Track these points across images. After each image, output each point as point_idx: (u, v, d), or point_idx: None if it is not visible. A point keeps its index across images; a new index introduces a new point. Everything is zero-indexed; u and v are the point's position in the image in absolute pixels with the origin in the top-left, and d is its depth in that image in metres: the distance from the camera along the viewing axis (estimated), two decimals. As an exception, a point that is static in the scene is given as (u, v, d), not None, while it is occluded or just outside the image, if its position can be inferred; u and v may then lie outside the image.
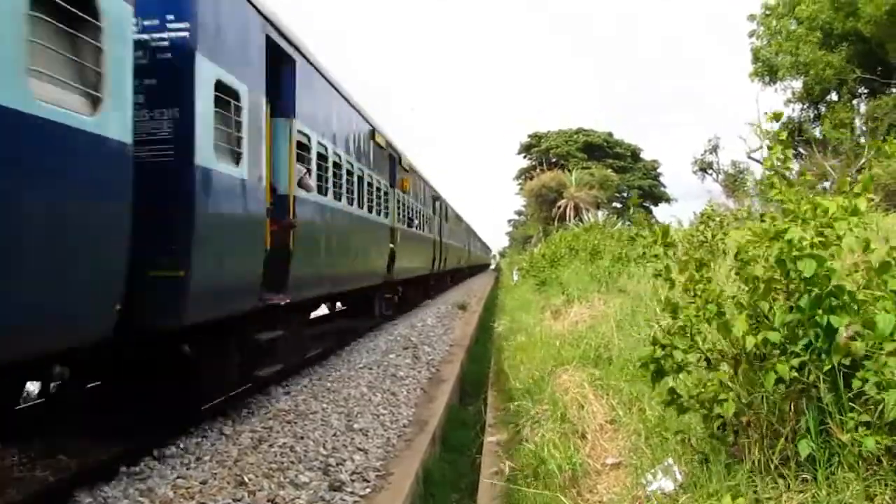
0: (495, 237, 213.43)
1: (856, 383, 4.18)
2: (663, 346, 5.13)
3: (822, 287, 4.38)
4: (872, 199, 4.96)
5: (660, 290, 5.53)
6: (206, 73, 7.37)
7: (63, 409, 8.15)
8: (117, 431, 7.81)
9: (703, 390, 4.96)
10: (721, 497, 4.47)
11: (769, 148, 5.50)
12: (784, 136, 5.48)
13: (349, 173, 14.01)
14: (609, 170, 77.85)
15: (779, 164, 5.31)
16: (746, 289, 4.98)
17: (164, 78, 7.04)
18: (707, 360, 5.06)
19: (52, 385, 8.08)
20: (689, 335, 5.11)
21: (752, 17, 45.30)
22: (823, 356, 4.33)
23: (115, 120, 5.90)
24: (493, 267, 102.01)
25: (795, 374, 4.39)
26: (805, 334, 4.42)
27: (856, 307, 4.38)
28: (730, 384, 4.83)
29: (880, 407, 4.04)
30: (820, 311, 4.30)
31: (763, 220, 4.98)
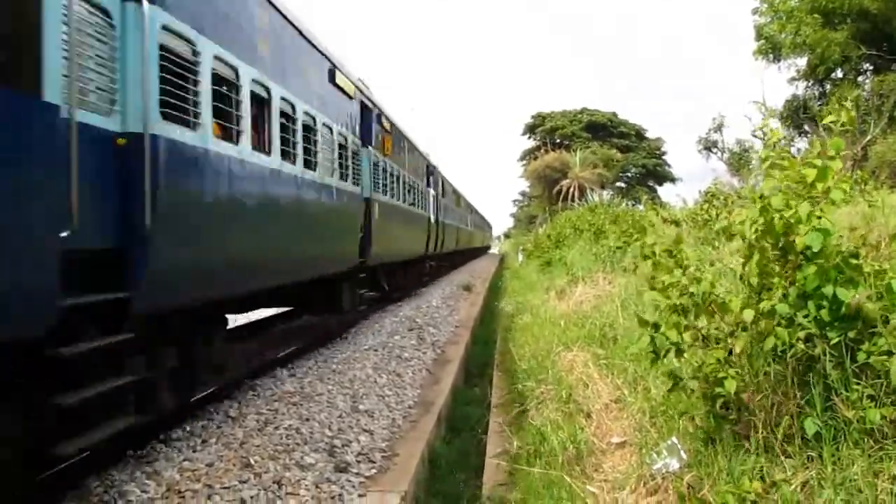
0: (499, 219, 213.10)
1: (861, 356, 4.18)
2: (656, 327, 5.15)
3: (828, 259, 4.38)
4: (875, 175, 5.00)
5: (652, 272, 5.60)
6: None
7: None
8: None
9: (702, 369, 4.97)
10: (727, 475, 4.48)
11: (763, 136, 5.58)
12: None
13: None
14: (613, 149, 77.63)
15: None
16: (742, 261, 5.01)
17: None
18: (703, 338, 5.07)
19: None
20: (681, 314, 5.13)
21: (755, -7, 44.91)
22: (828, 329, 4.34)
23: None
24: (495, 250, 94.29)
25: (802, 345, 4.40)
26: (806, 307, 4.43)
27: (862, 279, 4.38)
28: (730, 362, 4.84)
29: (885, 381, 4.04)
30: (829, 284, 4.30)
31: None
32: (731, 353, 4.88)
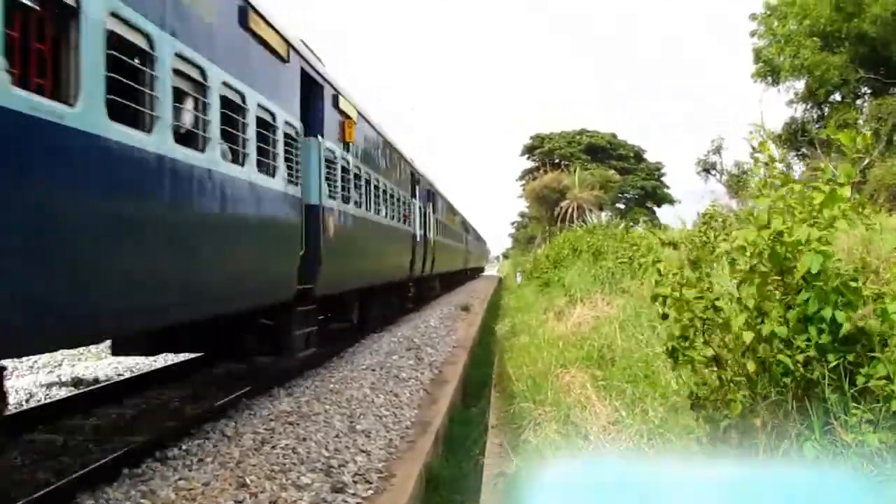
0: (499, 239, 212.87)
1: (860, 379, 4.17)
2: (685, 338, 5.15)
3: (826, 283, 4.38)
4: (874, 198, 5.02)
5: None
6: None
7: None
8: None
9: (712, 390, 4.98)
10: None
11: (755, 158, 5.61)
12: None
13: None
14: (612, 171, 77.80)
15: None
16: (739, 283, 5.01)
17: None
18: (716, 358, 5.07)
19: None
20: (699, 333, 5.14)
21: (753, 17, 45.26)
22: (827, 352, 4.33)
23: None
24: (493, 272, 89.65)
25: (802, 369, 4.40)
26: (806, 330, 4.43)
27: (861, 302, 4.38)
28: (739, 383, 4.83)
29: (884, 405, 4.04)
30: (828, 308, 4.30)
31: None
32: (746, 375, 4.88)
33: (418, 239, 23.82)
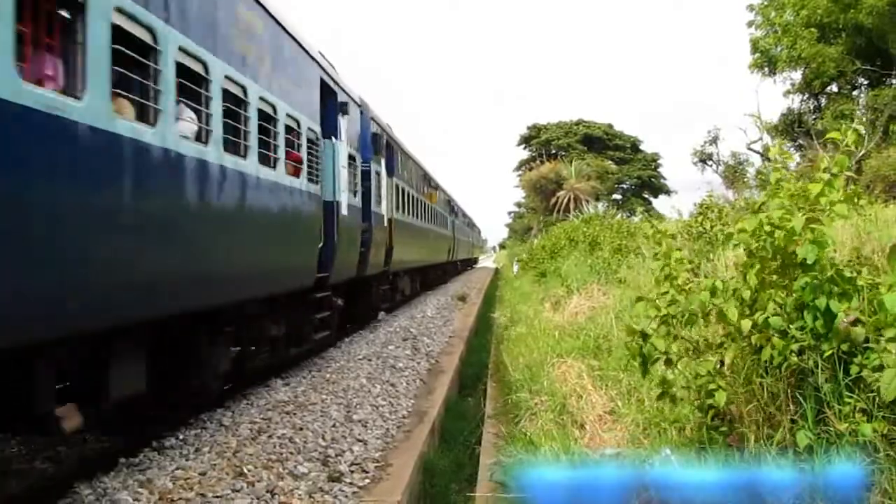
0: (496, 230, 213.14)
1: (854, 369, 4.19)
2: (644, 336, 5.20)
3: (821, 272, 4.40)
4: (870, 189, 5.06)
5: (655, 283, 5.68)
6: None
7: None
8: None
9: (696, 380, 5.00)
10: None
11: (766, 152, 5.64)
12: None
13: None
14: (608, 161, 77.68)
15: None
16: (740, 272, 5.04)
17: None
18: (694, 349, 5.10)
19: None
20: (669, 325, 5.17)
21: (750, 8, 45.17)
22: (822, 341, 4.36)
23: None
24: (489, 263, 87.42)
25: (795, 358, 4.42)
26: (801, 318, 4.45)
27: (856, 292, 4.41)
28: (722, 373, 4.86)
29: (877, 395, 4.06)
30: (822, 297, 4.32)
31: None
32: (722, 363, 4.90)
33: (344, 211, 13.27)
